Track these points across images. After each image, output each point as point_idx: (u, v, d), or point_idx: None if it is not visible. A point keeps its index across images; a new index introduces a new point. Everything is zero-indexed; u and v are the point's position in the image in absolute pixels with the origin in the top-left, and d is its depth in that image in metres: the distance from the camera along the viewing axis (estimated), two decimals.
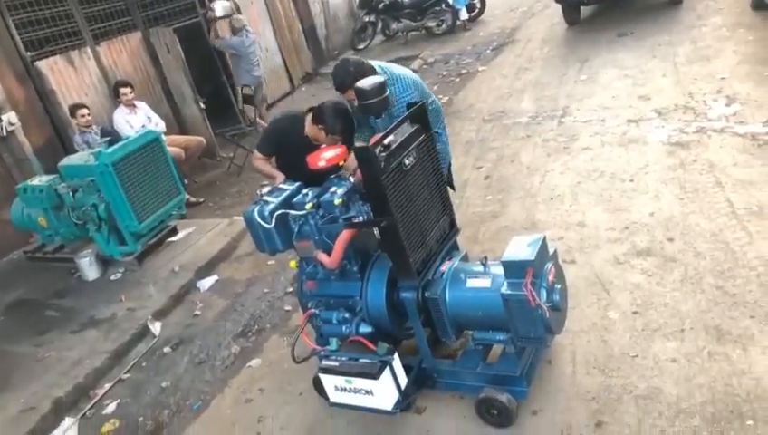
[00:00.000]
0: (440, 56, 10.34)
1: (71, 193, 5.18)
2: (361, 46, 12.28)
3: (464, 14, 11.66)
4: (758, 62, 5.98)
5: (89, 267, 5.32)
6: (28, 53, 6.64)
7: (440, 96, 7.74)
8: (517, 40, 9.89)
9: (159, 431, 3.54)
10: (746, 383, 2.67)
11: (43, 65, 6.73)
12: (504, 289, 2.64)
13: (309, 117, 3.60)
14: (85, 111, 6.31)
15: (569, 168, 5.08)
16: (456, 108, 7.40)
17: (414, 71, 9.35)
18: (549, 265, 2.71)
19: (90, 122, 6.33)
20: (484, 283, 2.82)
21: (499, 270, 2.74)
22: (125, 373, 4.12)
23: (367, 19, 12.44)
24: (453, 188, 4.04)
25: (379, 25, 12.55)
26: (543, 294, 2.61)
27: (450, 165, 3.81)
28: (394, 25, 12.21)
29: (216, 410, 3.56)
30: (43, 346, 4.47)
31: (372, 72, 3.28)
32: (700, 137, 4.91)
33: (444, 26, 11.65)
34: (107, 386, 4.01)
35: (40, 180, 5.46)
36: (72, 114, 6.36)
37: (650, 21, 8.43)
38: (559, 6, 9.45)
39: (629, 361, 2.96)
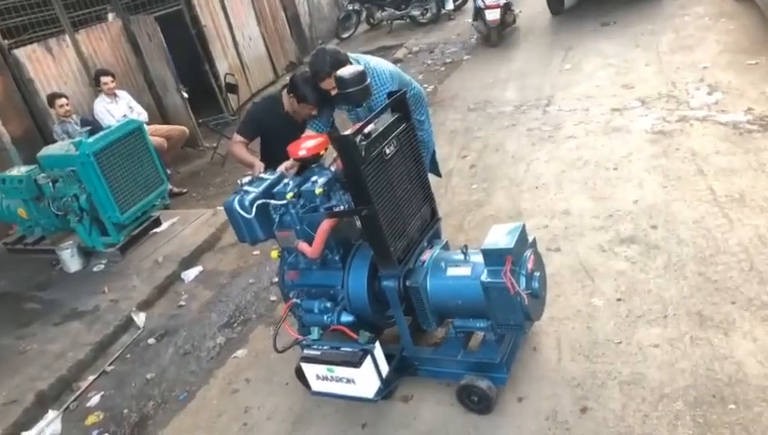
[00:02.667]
0: (425, 45, 10.30)
1: (51, 184, 5.10)
2: (346, 35, 12.21)
3: (449, 5, 11.61)
4: (740, 52, 6.04)
5: (70, 259, 5.25)
6: (5, 42, 6.53)
7: (425, 85, 7.72)
8: None
9: (144, 423, 3.52)
10: (728, 368, 2.71)
11: (20, 54, 6.61)
12: (484, 277, 2.66)
13: (285, 92, 3.62)
14: (64, 100, 6.20)
15: (553, 156, 5.10)
16: (440, 97, 7.39)
17: (398, 60, 9.28)
18: (528, 252, 2.73)
19: (69, 112, 6.23)
20: (464, 271, 2.84)
21: (479, 258, 2.76)
22: (109, 365, 4.08)
23: (351, 8, 12.37)
24: (439, 175, 4.04)
25: (364, 14, 12.49)
26: (523, 281, 2.64)
27: (434, 153, 3.81)
28: (378, 14, 12.15)
29: (201, 400, 3.54)
30: (24, 339, 4.42)
31: (348, 60, 3.27)
32: (683, 125, 4.96)
33: (428, 15, 11.61)
34: (90, 378, 3.98)
35: (19, 171, 5.37)
36: (51, 104, 6.26)
37: (633, 10, 8.46)
38: None
39: (614, 347, 2.99)
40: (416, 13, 11.68)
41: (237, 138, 3.80)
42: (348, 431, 2.99)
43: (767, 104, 4.87)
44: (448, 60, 9.06)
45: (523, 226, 2.76)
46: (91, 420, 3.63)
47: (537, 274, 2.74)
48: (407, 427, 2.91)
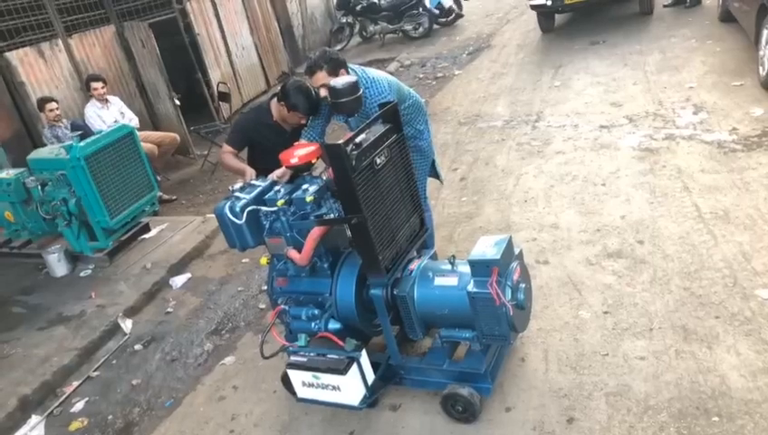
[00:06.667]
0: (417, 59, 10.39)
1: (39, 187, 5.07)
2: (338, 47, 12.26)
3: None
4: (725, 73, 6.17)
5: (57, 263, 5.21)
6: None
7: None
8: (493, 45, 10.01)
9: (130, 429, 3.49)
10: (712, 381, 2.75)
11: (12, 57, 6.59)
12: (471, 287, 2.69)
13: (274, 100, 3.65)
14: (54, 104, 6.18)
15: (542, 171, 5.16)
16: (432, 110, 7.44)
17: (390, 73, 9.42)
18: (514, 264, 2.77)
19: (59, 116, 6.21)
20: (451, 281, 2.87)
21: (466, 269, 2.79)
22: (94, 371, 4.05)
23: (344, 20, 12.47)
24: (440, 180, 4.09)
25: (357, 27, 12.58)
26: (508, 292, 2.67)
27: (434, 161, 3.85)
28: (371, 27, 12.25)
29: (188, 407, 3.52)
30: (8, 343, 4.37)
31: (345, 65, 3.32)
32: (669, 143, 5.05)
33: (420, 30, 11.73)
34: (75, 384, 3.94)
35: (7, 174, 5.32)
36: (41, 108, 6.23)
37: (622, 30, 8.63)
38: (534, 13, 9.60)
39: (600, 359, 3.03)
40: (408, 27, 11.79)
41: (227, 148, 3.83)
42: None
43: (751, 125, 4.98)
44: (440, 74, 9.15)
45: (510, 238, 2.80)
46: (74, 425, 3.59)
47: (523, 285, 2.78)
48: None
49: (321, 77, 3.25)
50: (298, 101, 3.47)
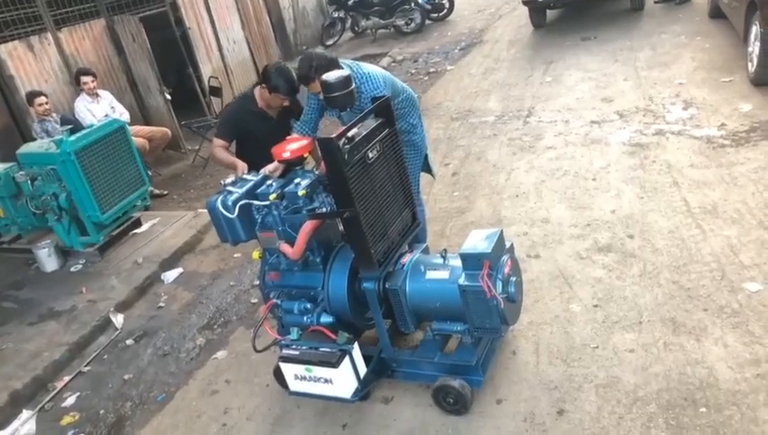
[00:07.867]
0: (409, 55, 10.40)
1: (29, 182, 5.04)
2: (330, 42, 12.27)
3: None
4: (714, 69, 6.21)
5: (47, 258, 5.19)
6: None
7: None
8: (485, 41, 10.02)
9: (121, 424, 3.49)
10: (699, 372, 2.79)
11: (1, 50, 6.53)
12: (462, 280, 2.71)
13: (257, 87, 3.71)
14: (43, 99, 6.14)
15: (534, 166, 5.19)
16: (424, 106, 7.44)
17: (383, 68, 9.41)
18: (505, 258, 2.79)
19: (48, 111, 6.17)
20: (442, 274, 2.89)
21: (457, 262, 2.81)
22: (85, 366, 4.04)
23: (336, 15, 12.45)
24: (433, 175, 4.11)
25: (348, 22, 12.57)
26: (499, 285, 2.69)
27: (427, 156, 3.86)
28: (363, 22, 12.23)
29: (180, 401, 3.52)
30: None
31: (335, 64, 3.31)
32: (659, 139, 5.08)
33: (413, 25, 11.72)
34: (66, 379, 3.93)
35: None
36: (30, 102, 6.20)
37: (613, 26, 8.66)
38: (526, 9, 9.63)
39: (590, 351, 3.06)
40: (400, 22, 11.79)
41: (217, 142, 3.84)
42: (328, 432, 3.01)
43: (740, 120, 5.02)
44: (432, 69, 9.16)
45: (501, 231, 2.82)
46: (66, 420, 3.59)
47: (513, 278, 2.80)
48: (387, 428, 2.93)
49: (318, 85, 3.22)
50: (278, 82, 3.53)
